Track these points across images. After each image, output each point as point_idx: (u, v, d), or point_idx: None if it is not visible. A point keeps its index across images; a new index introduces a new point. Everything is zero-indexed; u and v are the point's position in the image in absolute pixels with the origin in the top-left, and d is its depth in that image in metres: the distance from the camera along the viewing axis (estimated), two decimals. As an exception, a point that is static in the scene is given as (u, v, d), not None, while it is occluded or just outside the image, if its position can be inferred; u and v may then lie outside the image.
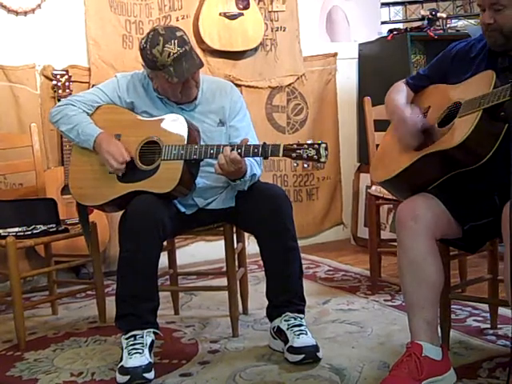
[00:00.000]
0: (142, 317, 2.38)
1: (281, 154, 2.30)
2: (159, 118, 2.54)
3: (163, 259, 2.83)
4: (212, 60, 4.03)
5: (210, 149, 2.40)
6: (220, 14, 3.96)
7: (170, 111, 2.57)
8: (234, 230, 2.77)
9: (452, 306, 2.51)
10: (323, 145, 2.28)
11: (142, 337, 2.35)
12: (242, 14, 4.01)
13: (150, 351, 2.35)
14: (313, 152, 2.27)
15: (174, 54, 2.42)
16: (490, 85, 2.07)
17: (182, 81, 2.46)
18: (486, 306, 2.73)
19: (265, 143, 2.33)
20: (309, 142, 2.30)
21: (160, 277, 2.92)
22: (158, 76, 2.50)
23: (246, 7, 4.02)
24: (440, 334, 2.31)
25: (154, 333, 2.41)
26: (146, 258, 2.36)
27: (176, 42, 2.44)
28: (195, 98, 2.60)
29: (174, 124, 2.49)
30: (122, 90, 2.61)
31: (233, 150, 2.33)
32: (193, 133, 2.48)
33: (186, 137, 2.44)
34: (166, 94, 2.56)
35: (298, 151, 2.28)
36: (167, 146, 2.44)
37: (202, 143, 2.52)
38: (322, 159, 2.28)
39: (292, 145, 2.30)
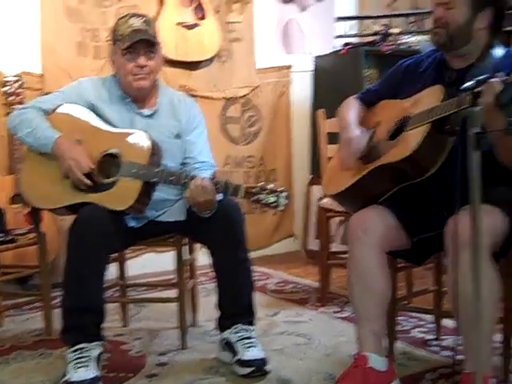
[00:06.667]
0: (88, 329, 2.35)
1: (240, 195, 2.32)
2: (123, 131, 2.51)
3: (113, 270, 2.82)
4: (167, 70, 4.01)
5: (170, 175, 2.40)
6: (177, 24, 3.96)
7: (130, 119, 2.56)
8: (186, 241, 2.76)
9: (398, 318, 2.54)
10: (284, 193, 2.30)
11: (89, 350, 2.32)
12: (199, 25, 4.02)
13: (97, 364, 2.33)
14: (272, 199, 2.30)
15: (135, 26, 2.49)
16: (438, 99, 2.13)
17: (130, 42, 2.46)
18: (431, 317, 2.79)
19: (227, 181, 2.34)
20: (270, 186, 2.32)
21: (109, 288, 2.92)
22: (117, 51, 2.53)
23: (203, 17, 4.03)
24: (386, 345, 2.35)
25: (101, 345, 2.39)
26: (91, 269, 2.33)
27: (142, 19, 2.54)
28: (154, 105, 2.60)
29: (138, 141, 2.47)
30: (83, 89, 2.59)
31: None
32: (156, 153, 2.47)
33: (148, 156, 2.43)
34: (121, 77, 2.55)
35: (258, 195, 2.30)
36: (128, 162, 2.42)
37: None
38: (280, 208, 2.31)
39: (254, 187, 2.32)
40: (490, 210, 2.03)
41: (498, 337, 2.25)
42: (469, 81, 1.89)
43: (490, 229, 1.96)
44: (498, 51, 2.22)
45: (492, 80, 1.85)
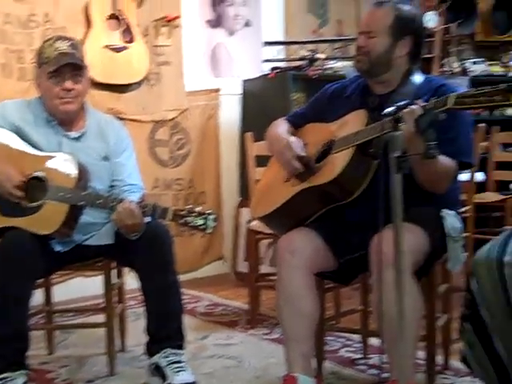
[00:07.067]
0: (12, 358, 2.29)
1: (168, 218, 2.32)
2: (50, 154, 2.47)
3: (39, 296, 2.75)
4: (95, 92, 3.97)
5: (98, 199, 2.38)
6: (104, 47, 3.94)
7: (57, 142, 2.52)
8: (114, 264, 2.73)
9: (327, 338, 2.59)
10: (212, 216, 2.32)
11: (12, 379, 2.27)
12: (127, 48, 4.01)
13: (21, 394, 2.27)
14: (200, 222, 2.31)
15: (61, 49, 2.46)
16: (363, 123, 2.20)
17: (57, 66, 2.43)
18: (358, 337, 2.84)
19: (155, 204, 2.34)
20: (198, 209, 2.33)
21: (35, 315, 2.84)
22: (42, 75, 2.48)
23: (131, 40, 4.02)
24: (315, 366, 2.38)
25: (26, 374, 2.33)
26: (15, 296, 2.28)
27: (68, 43, 2.50)
28: (82, 127, 2.58)
29: (65, 164, 2.44)
30: (8, 112, 2.54)
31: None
32: (83, 176, 2.45)
33: (75, 180, 2.41)
34: (46, 100, 2.52)
35: (186, 218, 2.31)
36: (54, 186, 2.38)
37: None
38: (208, 230, 2.33)
39: (182, 210, 2.32)
40: (413, 229, 2.10)
41: (422, 354, 2.32)
42: (390, 106, 1.96)
43: (412, 247, 2.03)
44: (418, 78, 2.32)
45: (411, 106, 1.93)
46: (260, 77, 4.50)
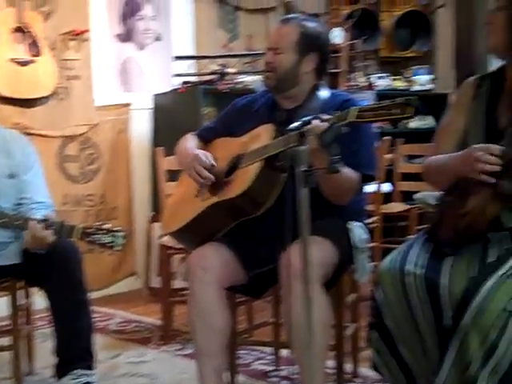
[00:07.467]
0: None
1: (76, 236, 2.30)
2: None
3: None
4: (0, 107, 3.87)
5: (2, 217, 2.33)
6: (9, 60, 3.83)
7: None
8: (21, 284, 2.65)
9: (239, 351, 2.59)
10: (120, 233, 2.30)
11: None
12: (34, 61, 3.91)
13: None
14: (108, 239, 2.29)
15: None
16: (270, 137, 2.23)
17: None
18: (271, 349, 2.87)
19: (63, 222, 2.31)
20: (106, 226, 2.31)
21: None
22: None
23: (38, 54, 3.93)
24: (228, 380, 2.38)
25: None
26: None
27: None
28: None
29: None
30: None
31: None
32: None
33: None
34: None
35: (94, 236, 2.29)
36: None
37: None
38: (116, 248, 2.31)
39: (90, 228, 2.30)
40: (321, 242, 2.14)
41: (332, 363, 2.37)
42: (296, 121, 2.00)
43: (320, 260, 2.07)
44: (324, 93, 2.37)
45: (316, 121, 1.97)
46: (171, 91, 4.49)
